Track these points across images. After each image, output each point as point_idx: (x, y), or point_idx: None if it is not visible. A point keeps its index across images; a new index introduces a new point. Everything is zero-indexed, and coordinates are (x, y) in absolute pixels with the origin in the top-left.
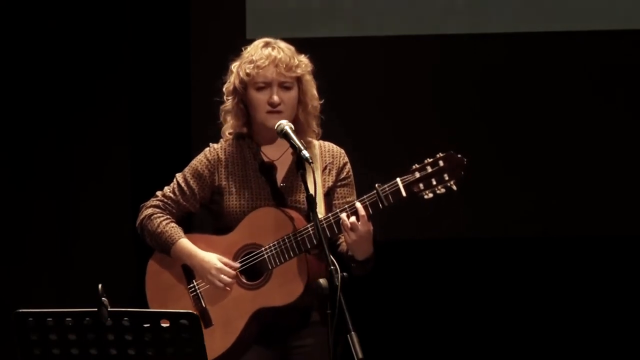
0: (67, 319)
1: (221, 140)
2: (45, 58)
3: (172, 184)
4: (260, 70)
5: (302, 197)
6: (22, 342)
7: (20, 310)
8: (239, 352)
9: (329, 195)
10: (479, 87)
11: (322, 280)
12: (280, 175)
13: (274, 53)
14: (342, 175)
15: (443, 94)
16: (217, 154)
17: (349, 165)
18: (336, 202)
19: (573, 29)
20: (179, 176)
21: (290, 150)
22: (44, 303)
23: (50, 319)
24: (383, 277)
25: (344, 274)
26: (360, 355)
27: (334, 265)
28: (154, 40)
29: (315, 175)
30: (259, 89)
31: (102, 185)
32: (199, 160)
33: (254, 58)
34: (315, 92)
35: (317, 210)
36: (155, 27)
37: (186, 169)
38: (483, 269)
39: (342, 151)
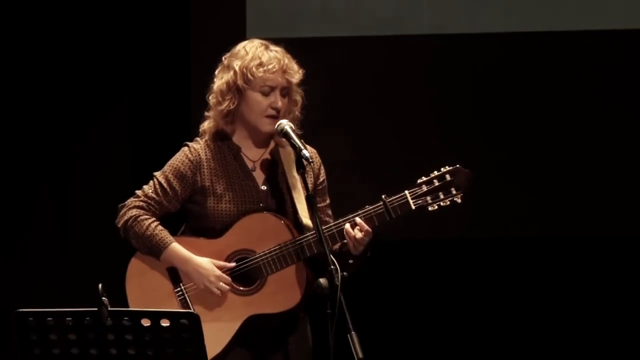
0: (67, 318)
1: (198, 139)
2: (45, 58)
3: (151, 184)
4: (270, 75)
5: (285, 199)
6: (22, 342)
7: (21, 310)
8: (227, 356)
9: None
10: (478, 87)
11: (322, 280)
12: (260, 178)
13: (279, 57)
14: (320, 179)
15: (443, 94)
16: (199, 154)
17: (322, 167)
18: (319, 205)
19: (573, 29)
20: (159, 175)
21: (269, 152)
22: (44, 303)
23: (51, 318)
24: (383, 277)
25: (344, 273)
26: (360, 355)
27: (334, 265)
28: (154, 40)
29: (289, 178)
30: (263, 92)
31: (102, 184)
32: (180, 161)
33: (263, 61)
34: (299, 97)
35: (302, 215)
36: (155, 27)
37: (166, 169)
38: (483, 269)
39: (315, 152)
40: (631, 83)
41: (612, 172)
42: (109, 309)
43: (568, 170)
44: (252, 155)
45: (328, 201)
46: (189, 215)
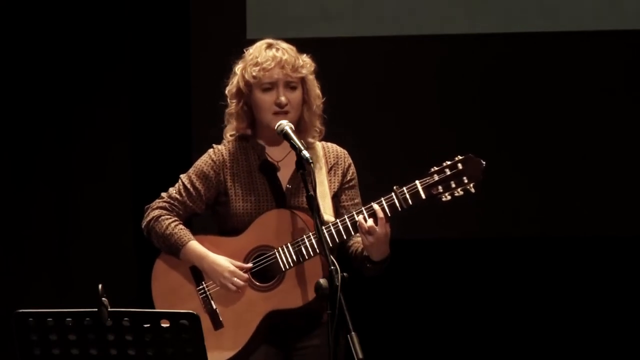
0: (68, 319)
1: (224, 141)
2: (46, 57)
3: (177, 185)
4: (267, 72)
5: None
6: (22, 342)
7: (21, 311)
8: (248, 352)
9: (335, 197)
10: (479, 88)
11: (322, 280)
12: (285, 176)
13: (279, 54)
14: (348, 178)
15: (443, 95)
16: (222, 155)
17: (353, 167)
18: (345, 204)
19: (573, 29)
20: (183, 177)
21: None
22: (44, 303)
23: (51, 319)
24: (383, 278)
25: (344, 274)
26: (360, 355)
27: (334, 265)
28: (154, 40)
29: (316, 175)
30: (265, 90)
31: (103, 184)
32: (203, 161)
33: (259, 60)
34: (318, 91)
35: (325, 212)
36: (156, 27)
37: (191, 170)
38: (483, 270)
39: (346, 152)
40: (631, 83)
41: (612, 172)
42: (109, 309)
43: (568, 171)
44: (277, 154)
45: (356, 200)
46: (218, 218)
